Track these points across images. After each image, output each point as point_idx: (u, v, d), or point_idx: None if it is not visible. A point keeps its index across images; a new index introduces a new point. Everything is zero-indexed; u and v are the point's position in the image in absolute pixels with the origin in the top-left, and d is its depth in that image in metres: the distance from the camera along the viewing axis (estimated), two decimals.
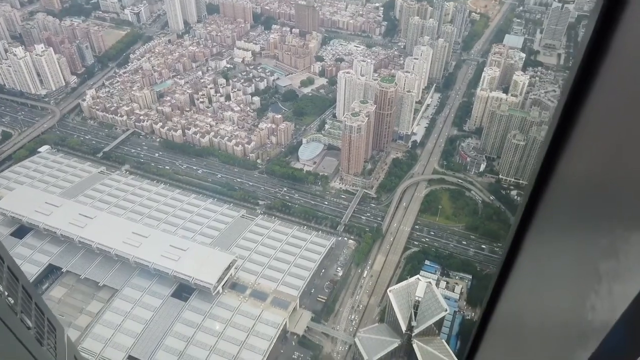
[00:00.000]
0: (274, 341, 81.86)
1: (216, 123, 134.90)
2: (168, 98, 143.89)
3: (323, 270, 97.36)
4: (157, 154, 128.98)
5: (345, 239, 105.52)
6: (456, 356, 75.39)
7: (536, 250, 1.58)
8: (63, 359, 5.18)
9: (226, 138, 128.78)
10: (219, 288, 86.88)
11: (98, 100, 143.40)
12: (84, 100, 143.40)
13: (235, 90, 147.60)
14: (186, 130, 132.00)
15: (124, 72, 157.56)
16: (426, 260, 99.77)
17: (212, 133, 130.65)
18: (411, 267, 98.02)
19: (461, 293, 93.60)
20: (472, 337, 2.20)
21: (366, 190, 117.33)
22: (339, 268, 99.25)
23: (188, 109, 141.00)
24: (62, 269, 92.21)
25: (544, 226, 1.42)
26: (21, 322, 4.51)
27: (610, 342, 0.97)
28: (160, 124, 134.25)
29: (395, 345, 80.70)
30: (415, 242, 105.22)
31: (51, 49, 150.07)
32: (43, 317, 4.77)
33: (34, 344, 4.33)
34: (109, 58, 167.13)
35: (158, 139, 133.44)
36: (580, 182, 1.41)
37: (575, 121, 1.58)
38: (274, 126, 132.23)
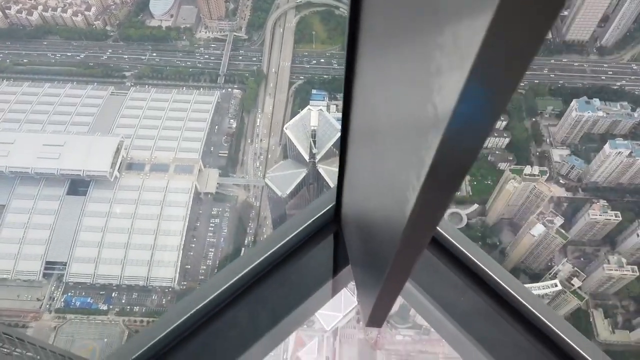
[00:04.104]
0: (190, 205, 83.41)
1: None
2: None
3: (216, 127, 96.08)
4: None
5: (229, 89, 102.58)
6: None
7: (373, 51, 1.56)
8: None
9: (59, 9, 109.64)
10: (115, 172, 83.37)
11: None
12: None
13: None
14: (7, 11, 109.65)
15: None
16: (313, 90, 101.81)
17: (41, 7, 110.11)
18: (300, 100, 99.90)
19: None
20: (340, 145, 2.34)
21: (236, 33, 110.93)
22: (231, 120, 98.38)
23: None
24: None
25: (373, 25, 1.40)
26: None
27: (453, 128, 1.03)
28: None
29: (303, 174, 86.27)
30: (299, 75, 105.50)
31: None
32: None
33: None
34: None
35: None
36: None
37: None
38: None
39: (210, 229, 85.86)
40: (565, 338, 2.86)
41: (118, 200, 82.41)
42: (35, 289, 77.04)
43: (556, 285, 68.32)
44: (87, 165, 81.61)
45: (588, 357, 2.81)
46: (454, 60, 0.96)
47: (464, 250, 3.22)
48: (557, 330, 2.86)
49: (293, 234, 3.24)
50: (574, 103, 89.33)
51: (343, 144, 2.27)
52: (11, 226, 79.29)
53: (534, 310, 2.94)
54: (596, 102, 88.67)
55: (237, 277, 3.19)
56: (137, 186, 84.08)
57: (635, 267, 73.38)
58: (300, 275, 3.39)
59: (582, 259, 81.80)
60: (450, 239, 3.25)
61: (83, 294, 77.67)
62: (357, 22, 1.45)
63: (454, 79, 0.96)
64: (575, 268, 72.23)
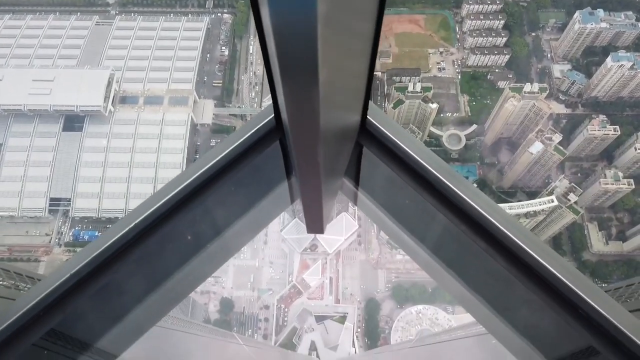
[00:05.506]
0: (187, 137, 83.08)
1: None
2: None
3: (208, 55, 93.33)
4: None
5: (219, 14, 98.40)
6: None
7: None
8: None
9: None
10: (109, 107, 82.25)
11: None
12: None
13: None
14: None
15: None
16: None
17: None
18: None
19: None
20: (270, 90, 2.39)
21: None
22: (223, 47, 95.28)
23: None
24: None
25: None
26: None
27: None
28: None
29: None
30: None
31: None
32: None
33: None
34: None
35: None
36: None
37: None
38: None
39: None
40: (509, 234, 2.87)
41: (115, 134, 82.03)
42: (42, 224, 78.96)
43: (552, 201, 69.61)
44: (79, 100, 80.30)
45: (532, 252, 2.83)
46: None
47: (416, 158, 3.16)
48: (500, 226, 2.87)
49: (237, 142, 3.20)
50: (577, 15, 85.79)
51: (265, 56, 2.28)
52: (11, 164, 79.64)
53: (479, 209, 2.93)
54: (600, 12, 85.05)
55: (187, 183, 3.22)
56: (132, 120, 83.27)
57: (632, 180, 74.33)
58: (250, 179, 3.41)
59: (579, 174, 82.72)
60: (406, 148, 3.18)
61: (90, 227, 79.65)
62: None
63: None
64: (572, 184, 73.14)
